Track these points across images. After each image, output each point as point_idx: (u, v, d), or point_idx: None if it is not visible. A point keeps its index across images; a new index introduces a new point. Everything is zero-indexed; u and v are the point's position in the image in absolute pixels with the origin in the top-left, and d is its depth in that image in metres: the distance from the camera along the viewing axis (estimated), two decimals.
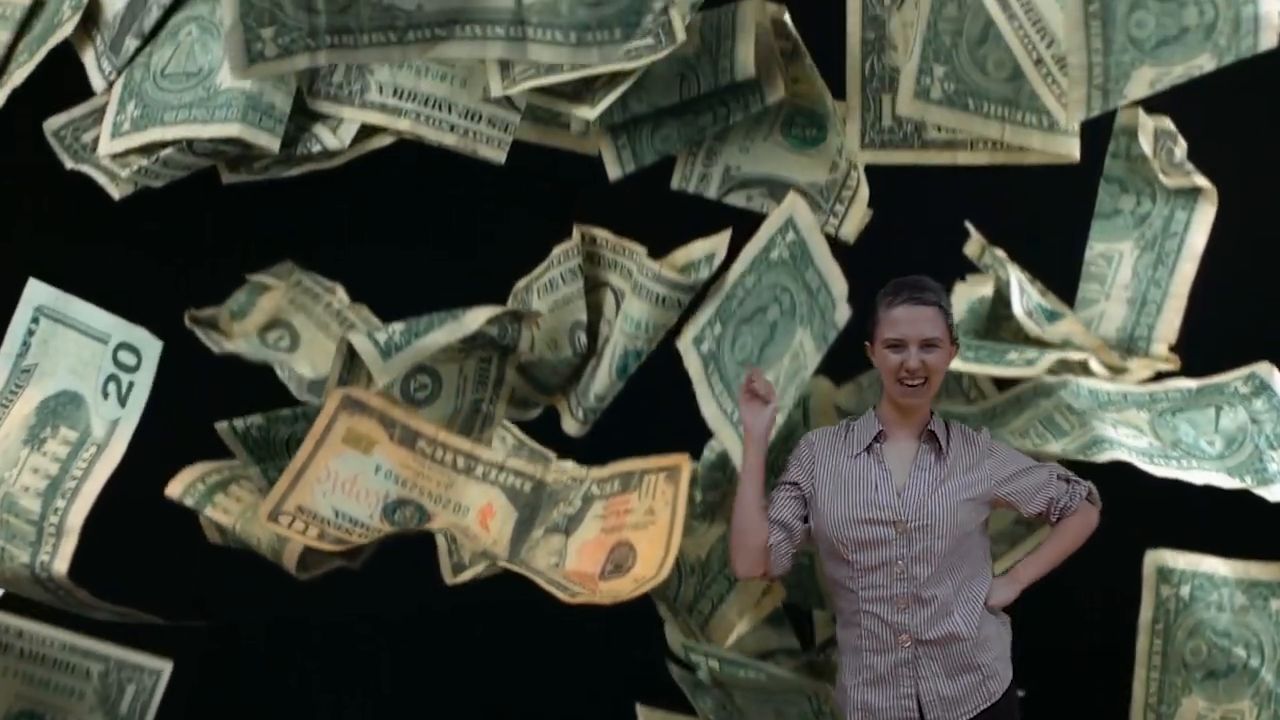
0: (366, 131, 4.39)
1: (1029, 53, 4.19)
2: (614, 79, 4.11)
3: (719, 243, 4.37)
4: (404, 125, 4.34)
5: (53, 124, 4.49)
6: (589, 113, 4.14)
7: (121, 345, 4.27)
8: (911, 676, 3.61)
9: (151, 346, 4.29)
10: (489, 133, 4.35)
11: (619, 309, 4.43)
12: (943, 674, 3.61)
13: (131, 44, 4.31)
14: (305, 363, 4.94)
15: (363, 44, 4.01)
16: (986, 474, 3.67)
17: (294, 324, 5.03)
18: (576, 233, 4.48)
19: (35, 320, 4.21)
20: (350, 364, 4.36)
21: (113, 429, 4.20)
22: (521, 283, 4.63)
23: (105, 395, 4.20)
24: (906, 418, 3.67)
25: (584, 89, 4.18)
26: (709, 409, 4.23)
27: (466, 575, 4.19)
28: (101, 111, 4.40)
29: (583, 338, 4.47)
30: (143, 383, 4.26)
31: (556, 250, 4.54)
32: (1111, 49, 3.91)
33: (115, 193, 4.39)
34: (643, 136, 4.36)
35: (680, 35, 4.05)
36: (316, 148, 4.37)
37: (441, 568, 4.28)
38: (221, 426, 4.26)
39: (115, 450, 4.18)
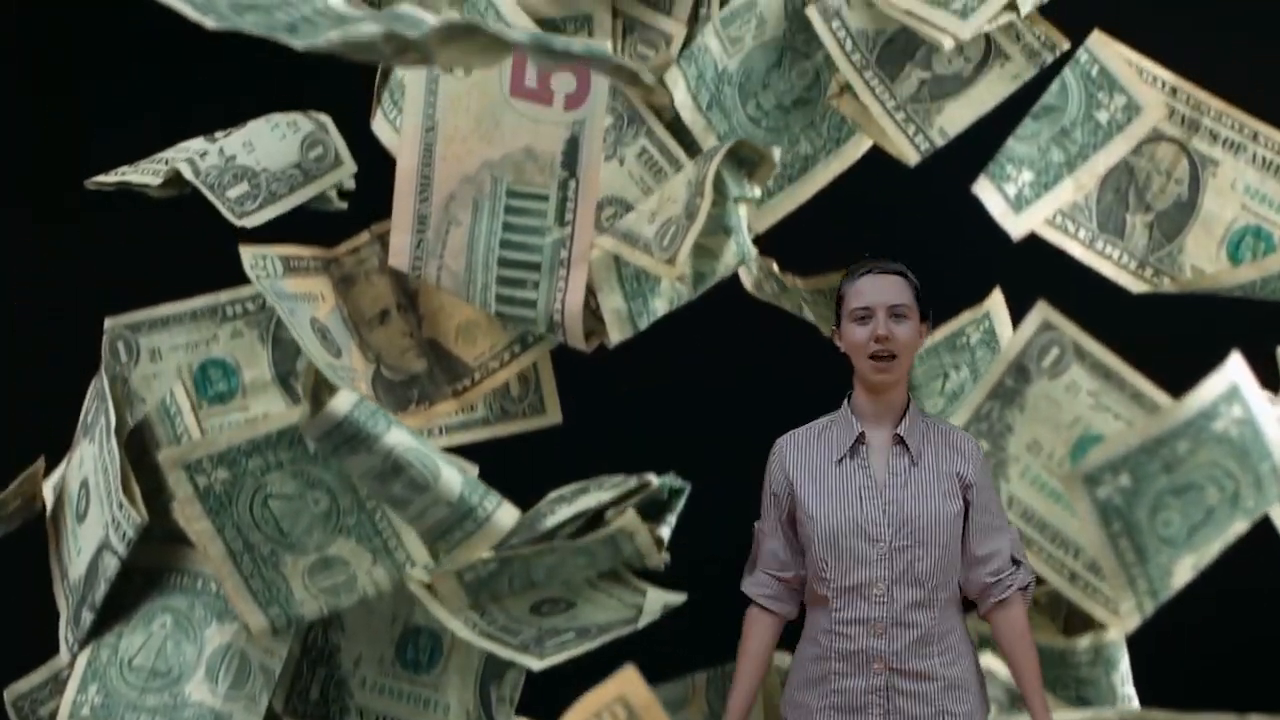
0: None
1: (1059, 573, 4.17)
2: None
3: None
4: None
5: (12, 692, 4.20)
6: None
7: None
8: (881, 706, 3.46)
9: None
10: None
11: None
12: (908, 710, 3.46)
13: (88, 616, 4.00)
14: None
15: None
16: (959, 472, 3.52)
17: None
18: None
19: None
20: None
21: None
22: None
23: None
24: (882, 405, 3.51)
25: None
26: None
27: None
28: (60, 683, 4.11)
29: None
30: None
31: None
32: (1146, 556, 3.63)
33: None
34: None
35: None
36: None
37: None
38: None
39: None
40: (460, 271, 3.95)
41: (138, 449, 4.04)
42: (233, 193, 3.99)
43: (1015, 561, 3.57)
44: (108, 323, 4.11)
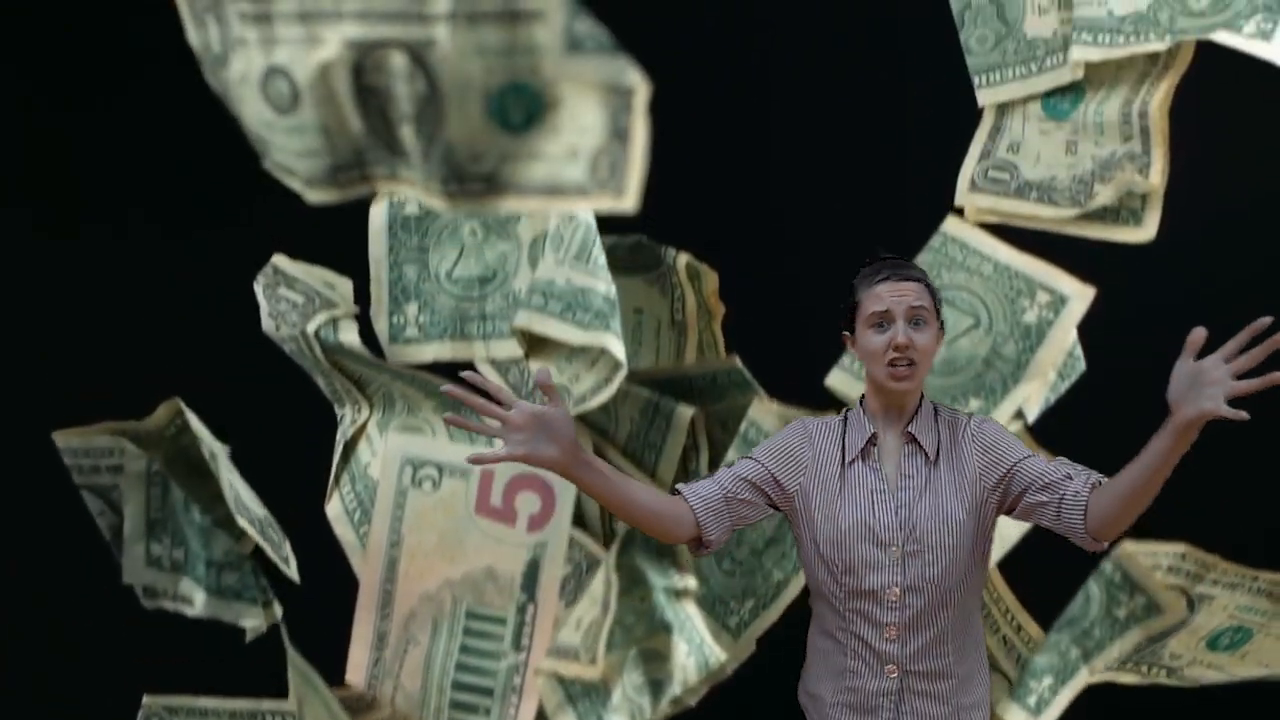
0: None
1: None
2: None
3: None
4: None
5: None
6: None
7: None
8: (893, 708, 3.31)
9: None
10: None
11: None
12: (922, 709, 3.30)
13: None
14: None
15: None
16: (976, 468, 3.31)
17: None
18: None
19: None
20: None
21: None
22: None
23: None
24: (896, 409, 3.32)
25: None
26: None
27: None
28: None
29: None
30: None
31: None
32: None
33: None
34: None
35: None
36: None
37: None
38: None
39: None
40: (415, 692, 3.97)
41: None
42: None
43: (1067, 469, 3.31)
44: (146, 699, 4.16)
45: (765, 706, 4.07)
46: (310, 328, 4.02)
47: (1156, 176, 4.07)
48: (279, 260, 4.14)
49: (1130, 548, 4.18)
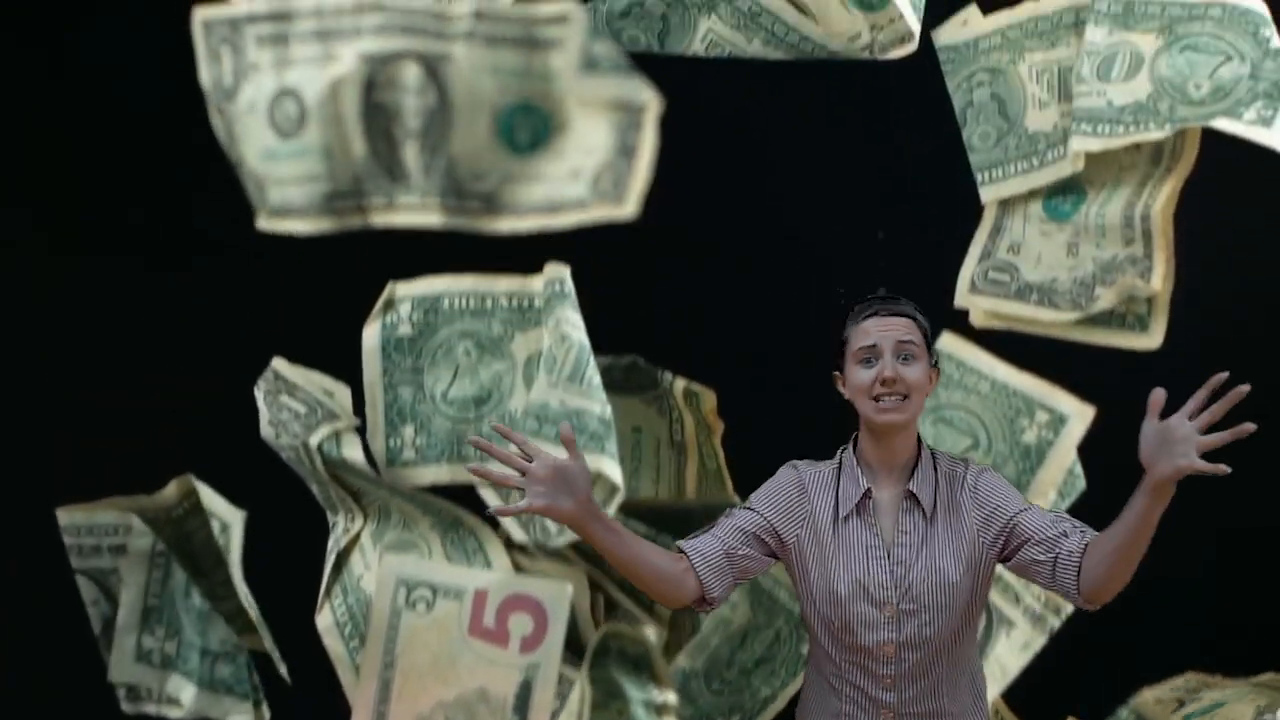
0: None
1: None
2: None
3: None
4: None
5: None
6: None
7: None
8: None
9: None
10: None
11: None
12: None
13: None
14: None
15: None
16: (975, 524, 3.25)
17: None
18: None
19: None
20: None
21: None
22: None
23: None
24: (889, 453, 3.25)
25: None
26: None
27: None
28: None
29: None
30: None
31: None
32: None
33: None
34: None
35: None
36: None
37: None
38: None
39: None
40: None
41: None
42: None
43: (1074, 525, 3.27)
44: None
45: None
46: (313, 441, 4.04)
47: (1158, 281, 4.07)
48: (279, 365, 4.18)
49: (1147, 695, 4.15)
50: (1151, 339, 4.18)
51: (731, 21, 4.05)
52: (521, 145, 2.70)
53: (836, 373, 3.31)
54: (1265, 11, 4.01)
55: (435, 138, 2.78)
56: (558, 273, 4.05)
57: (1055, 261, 4.21)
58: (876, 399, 3.21)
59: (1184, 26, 4.02)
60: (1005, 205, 4.30)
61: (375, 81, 2.80)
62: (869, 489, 3.25)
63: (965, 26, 4.37)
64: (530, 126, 2.70)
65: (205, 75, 3.08)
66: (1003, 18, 4.32)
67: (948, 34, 4.39)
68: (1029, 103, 4.24)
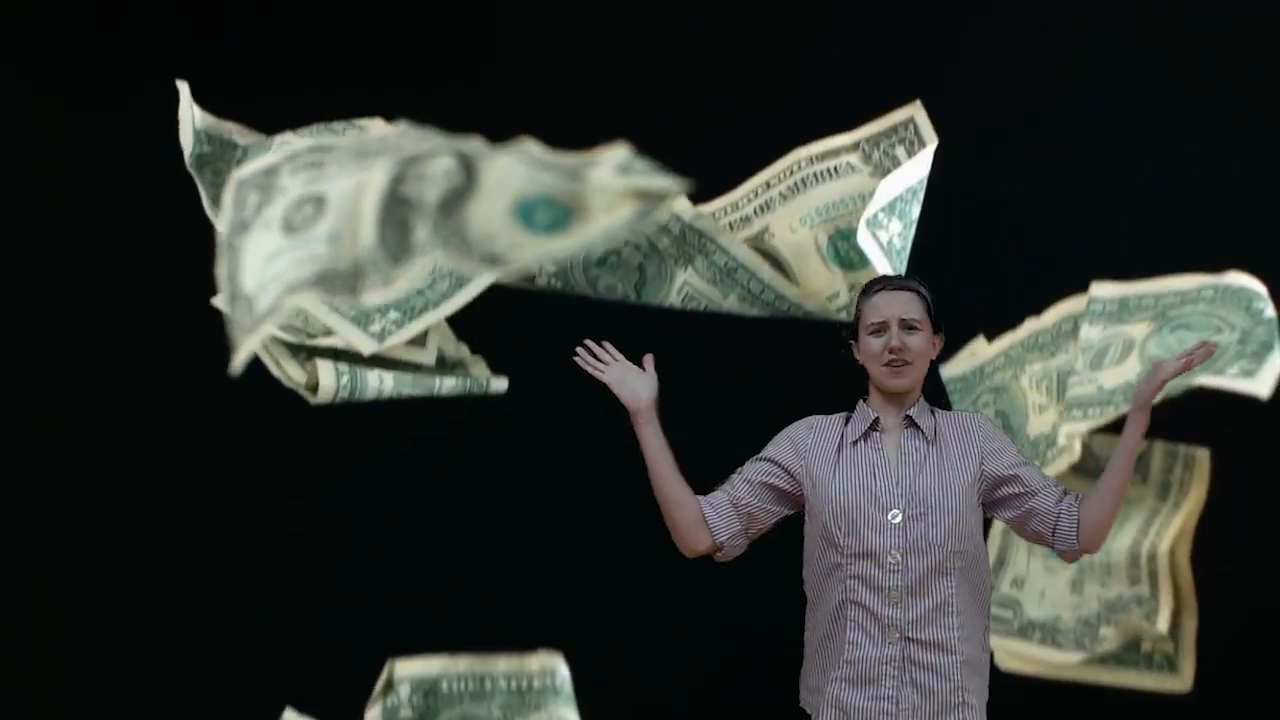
0: None
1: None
2: None
3: None
4: None
5: None
6: None
7: None
8: (896, 677, 3.53)
9: None
10: None
11: None
12: (926, 684, 3.52)
13: None
14: None
15: None
16: (978, 451, 3.65)
17: None
18: None
19: None
20: None
21: None
22: None
23: None
24: (895, 406, 3.68)
25: None
26: None
27: None
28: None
29: None
30: None
31: None
32: None
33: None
34: None
35: None
36: None
37: None
38: None
39: None
40: None
41: None
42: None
43: (1064, 492, 3.67)
44: None
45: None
46: None
47: (1163, 624, 4.15)
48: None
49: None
50: (1182, 681, 4.29)
51: (708, 275, 4.19)
52: (538, 227, 2.69)
53: (852, 341, 3.75)
54: (1261, 289, 4.18)
55: (451, 208, 2.73)
56: (551, 663, 4.27)
57: (1059, 599, 4.31)
58: (887, 364, 3.66)
59: (1176, 310, 4.21)
60: (1009, 535, 4.39)
61: (404, 176, 2.78)
62: (877, 418, 3.66)
63: (974, 358, 4.57)
64: (550, 214, 2.68)
65: (224, 221, 3.00)
66: (1005, 340, 4.53)
67: (955, 367, 4.60)
68: (1030, 410, 4.37)
